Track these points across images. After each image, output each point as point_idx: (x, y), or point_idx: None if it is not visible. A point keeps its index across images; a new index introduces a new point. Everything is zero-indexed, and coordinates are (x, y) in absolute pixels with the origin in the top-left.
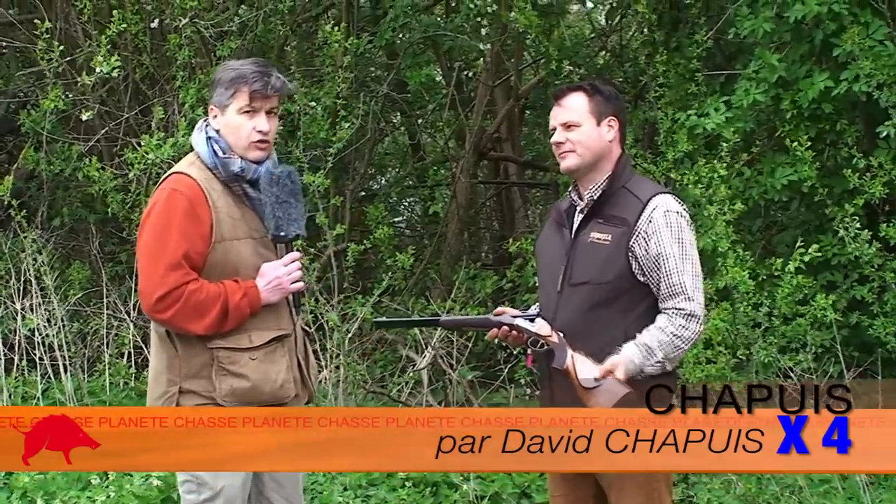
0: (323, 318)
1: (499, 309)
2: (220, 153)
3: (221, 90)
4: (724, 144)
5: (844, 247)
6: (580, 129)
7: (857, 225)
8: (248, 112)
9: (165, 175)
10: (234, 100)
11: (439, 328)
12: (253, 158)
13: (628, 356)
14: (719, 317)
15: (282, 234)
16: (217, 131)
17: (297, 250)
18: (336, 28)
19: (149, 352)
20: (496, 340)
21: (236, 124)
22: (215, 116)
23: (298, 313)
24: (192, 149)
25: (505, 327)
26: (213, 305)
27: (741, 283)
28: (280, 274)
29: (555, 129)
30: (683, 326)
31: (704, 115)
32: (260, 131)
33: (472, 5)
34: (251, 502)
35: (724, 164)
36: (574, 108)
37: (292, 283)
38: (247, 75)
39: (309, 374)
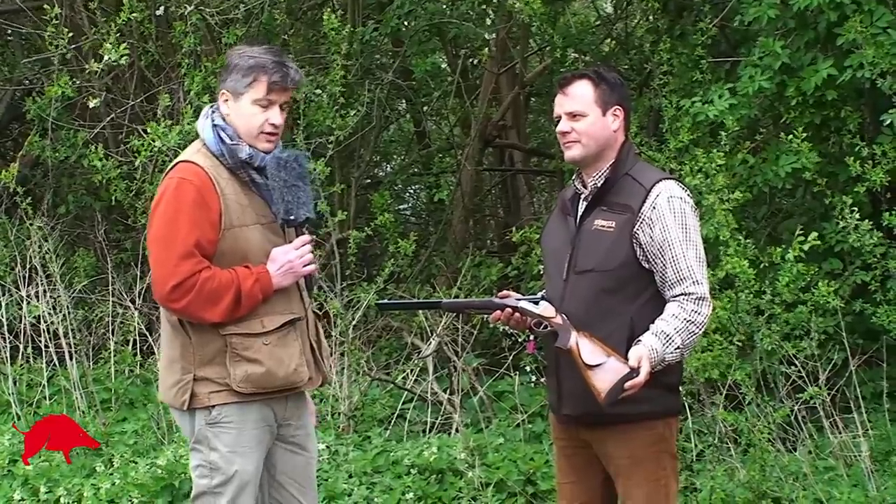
0: (327, 305)
1: (503, 292)
2: (227, 140)
3: (237, 76)
4: (724, 134)
5: (847, 235)
6: (586, 119)
7: (858, 215)
8: (263, 103)
9: (173, 164)
10: (250, 89)
11: (445, 313)
12: (262, 149)
13: (650, 345)
14: (721, 305)
15: (291, 217)
16: (223, 118)
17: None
18: (334, 15)
19: (154, 339)
20: (500, 326)
21: (249, 114)
22: (226, 101)
23: (311, 296)
24: (198, 136)
25: (508, 309)
26: (226, 292)
27: (742, 273)
28: (292, 258)
29: (559, 117)
30: (695, 311)
31: (708, 103)
32: (273, 124)
33: None
34: (263, 488)
35: (722, 154)
36: (580, 97)
37: (304, 266)
38: (266, 65)
39: (322, 357)
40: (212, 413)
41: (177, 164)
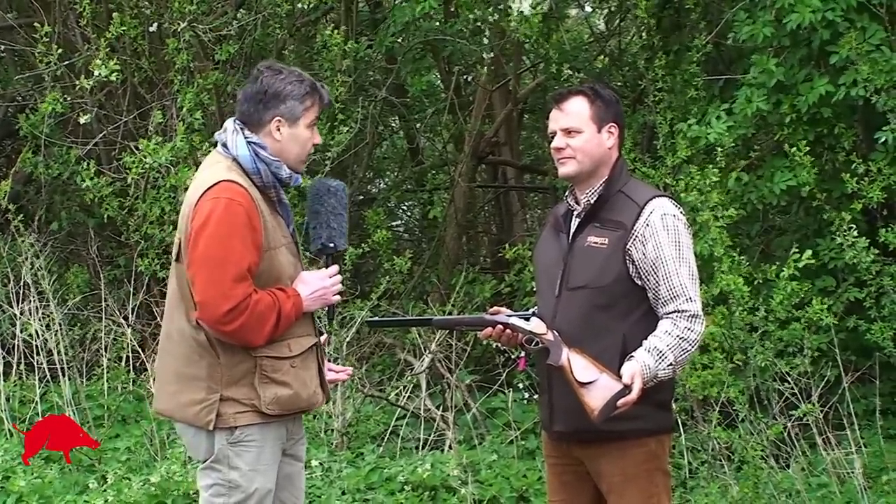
0: (321, 321)
1: (494, 308)
2: (267, 157)
3: (294, 103)
4: (720, 150)
5: (842, 252)
6: (581, 135)
7: (855, 232)
8: (313, 125)
9: (212, 182)
10: (306, 113)
11: (437, 331)
12: (301, 170)
13: (643, 362)
14: (715, 322)
15: (332, 245)
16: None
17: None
18: (336, 31)
19: (146, 356)
20: (493, 343)
21: (305, 138)
22: (279, 128)
23: (331, 323)
24: (191, 152)
25: (499, 326)
26: (270, 315)
27: (736, 290)
28: (327, 285)
29: (554, 132)
30: (688, 328)
31: (706, 125)
32: (315, 144)
33: (471, 16)
34: None
35: (717, 171)
36: (575, 113)
37: (334, 295)
38: (318, 89)
39: (325, 377)
40: (234, 433)
41: (218, 183)
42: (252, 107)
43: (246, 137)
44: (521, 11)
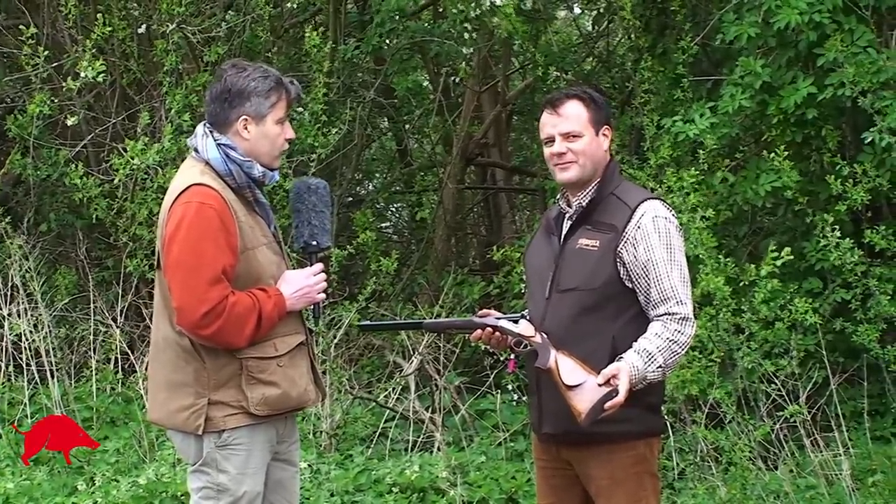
0: (309, 322)
1: (483, 311)
2: (237, 158)
3: (259, 100)
4: (702, 152)
5: (827, 253)
6: (582, 139)
7: (838, 234)
8: (282, 121)
9: (184, 187)
10: (273, 109)
11: (426, 333)
12: (275, 167)
13: (631, 363)
14: (701, 323)
15: (314, 243)
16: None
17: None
18: (316, 33)
19: (135, 357)
20: (482, 345)
21: (274, 134)
22: (246, 127)
23: (317, 322)
24: (180, 153)
25: (489, 328)
26: (250, 316)
27: (717, 290)
28: (311, 283)
29: (551, 137)
30: (678, 331)
31: (689, 122)
32: (288, 139)
33: (455, 10)
34: None
35: (699, 172)
36: (575, 117)
37: (318, 293)
38: (284, 83)
39: (319, 375)
40: (222, 436)
41: (189, 187)
42: (218, 107)
43: (215, 140)
44: (493, 1)
